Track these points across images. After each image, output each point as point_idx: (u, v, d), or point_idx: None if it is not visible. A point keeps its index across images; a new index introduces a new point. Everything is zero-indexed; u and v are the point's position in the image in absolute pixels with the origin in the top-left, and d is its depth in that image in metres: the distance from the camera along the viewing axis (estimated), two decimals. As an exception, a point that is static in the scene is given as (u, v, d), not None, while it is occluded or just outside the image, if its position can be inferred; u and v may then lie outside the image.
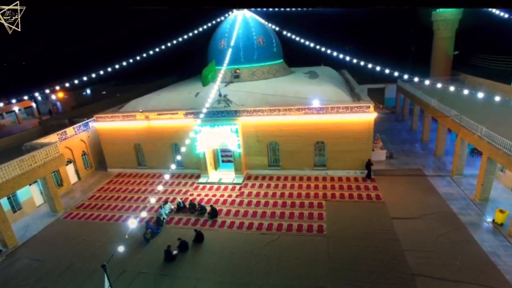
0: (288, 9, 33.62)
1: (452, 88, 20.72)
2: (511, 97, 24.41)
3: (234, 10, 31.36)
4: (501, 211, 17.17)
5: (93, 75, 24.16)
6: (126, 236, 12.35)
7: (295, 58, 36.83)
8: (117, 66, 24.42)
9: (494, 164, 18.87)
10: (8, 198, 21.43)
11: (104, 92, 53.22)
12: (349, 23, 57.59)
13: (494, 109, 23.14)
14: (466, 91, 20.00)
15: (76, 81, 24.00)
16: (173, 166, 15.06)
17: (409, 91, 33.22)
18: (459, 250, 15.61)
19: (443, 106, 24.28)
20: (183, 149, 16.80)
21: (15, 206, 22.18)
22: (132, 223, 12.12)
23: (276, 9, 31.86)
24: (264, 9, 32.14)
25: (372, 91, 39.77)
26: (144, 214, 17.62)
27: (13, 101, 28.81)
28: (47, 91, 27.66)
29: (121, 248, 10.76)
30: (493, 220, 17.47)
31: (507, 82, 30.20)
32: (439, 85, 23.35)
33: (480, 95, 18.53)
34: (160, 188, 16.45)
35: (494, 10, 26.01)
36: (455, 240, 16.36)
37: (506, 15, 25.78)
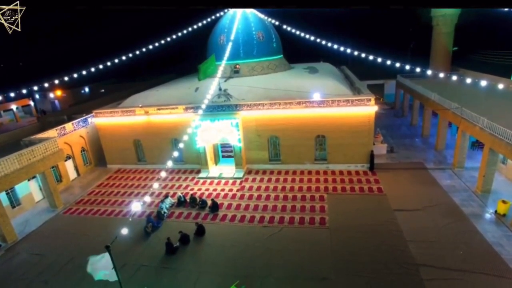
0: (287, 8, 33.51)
1: (453, 79, 20.68)
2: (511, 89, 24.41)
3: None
4: (504, 202, 17.12)
5: (92, 69, 24.05)
6: (130, 219, 12.19)
7: (294, 55, 36.82)
8: (116, 60, 24.31)
9: (496, 155, 18.85)
10: (7, 194, 21.25)
11: (103, 90, 52.90)
12: (348, 19, 57.62)
13: (494, 103, 23.11)
14: (468, 80, 19.98)
15: (75, 75, 23.88)
16: (175, 153, 14.92)
17: (409, 86, 33.18)
18: (462, 241, 15.56)
19: (443, 100, 24.25)
20: (185, 138, 16.54)
21: (14, 201, 21.98)
22: (136, 207, 11.97)
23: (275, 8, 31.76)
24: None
25: (371, 87, 39.37)
26: (147, 198, 17.41)
27: (12, 94, 28.50)
28: (46, 84, 27.45)
29: (124, 231, 10.63)
30: (496, 211, 17.42)
31: (507, 76, 30.22)
32: (441, 75, 23.14)
33: (483, 83, 18.50)
34: (163, 174, 16.25)
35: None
36: (458, 231, 16.31)
37: (506, 8, 25.76)
